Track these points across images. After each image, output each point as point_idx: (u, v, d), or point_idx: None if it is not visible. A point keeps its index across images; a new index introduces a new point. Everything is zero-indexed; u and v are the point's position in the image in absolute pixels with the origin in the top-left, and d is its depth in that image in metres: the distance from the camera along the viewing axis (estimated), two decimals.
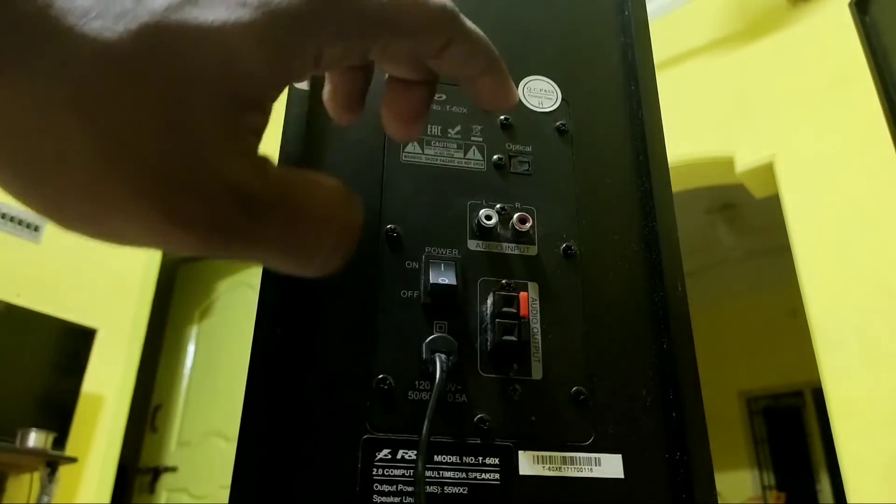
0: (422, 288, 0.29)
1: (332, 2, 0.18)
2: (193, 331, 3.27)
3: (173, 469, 3.08)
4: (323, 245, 0.19)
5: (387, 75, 0.24)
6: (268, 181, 0.18)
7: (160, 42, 0.16)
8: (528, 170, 0.33)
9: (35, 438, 2.10)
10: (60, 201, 0.16)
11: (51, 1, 0.15)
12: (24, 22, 0.15)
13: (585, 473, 0.27)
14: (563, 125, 0.35)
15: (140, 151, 0.15)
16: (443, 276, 0.29)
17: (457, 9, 0.22)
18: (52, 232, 2.46)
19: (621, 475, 0.27)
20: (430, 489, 0.26)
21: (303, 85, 0.32)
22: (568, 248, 0.31)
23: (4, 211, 2.37)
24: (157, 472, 3.11)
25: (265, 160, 0.18)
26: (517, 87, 0.35)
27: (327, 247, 0.19)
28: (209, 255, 0.17)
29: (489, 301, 0.29)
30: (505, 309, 0.28)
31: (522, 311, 0.28)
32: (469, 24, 0.22)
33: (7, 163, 0.16)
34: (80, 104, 0.15)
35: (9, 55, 0.15)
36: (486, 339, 0.29)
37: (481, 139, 0.33)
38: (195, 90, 0.16)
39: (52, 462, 2.18)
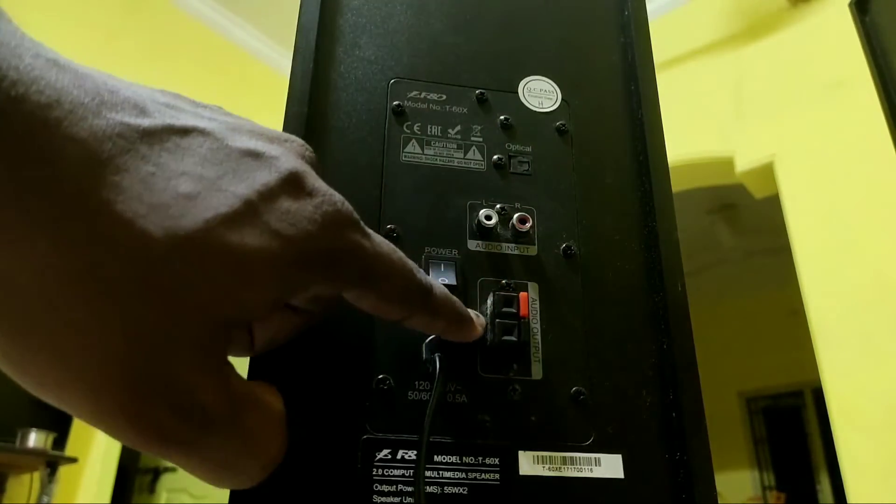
0: None
1: (343, 251, 0.20)
2: None
3: (173, 469, 3.08)
4: (252, 467, 0.20)
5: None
6: (229, 399, 0.18)
7: (193, 254, 0.16)
8: (528, 170, 0.33)
9: (35, 438, 2.10)
10: (27, 366, 0.16)
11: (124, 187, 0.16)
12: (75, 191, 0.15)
13: (585, 473, 0.27)
14: (563, 125, 0.35)
15: (133, 349, 0.16)
16: (443, 276, 0.29)
17: (431, 286, 0.24)
18: None
19: (621, 475, 0.27)
20: (430, 489, 0.26)
21: None
22: (568, 248, 0.31)
23: None
24: (157, 472, 3.12)
25: (229, 374, 0.19)
26: (518, 87, 0.35)
27: (255, 469, 0.20)
28: (145, 452, 0.17)
29: (489, 301, 0.29)
30: (505, 309, 0.28)
31: (522, 312, 0.28)
32: (435, 298, 0.24)
33: None
34: (110, 291, 0.15)
35: (46, 216, 0.15)
36: (486, 340, 0.29)
37: (481, 139, 0.33)
38: (199, 307, 0.17)
39: (52, 462, 2.18)
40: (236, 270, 0.17)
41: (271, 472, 0.21)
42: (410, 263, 0.23)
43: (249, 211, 0.18)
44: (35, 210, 0.15)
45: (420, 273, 0.23)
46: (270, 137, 0.20)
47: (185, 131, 0.18)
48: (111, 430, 0.17)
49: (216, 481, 0.19)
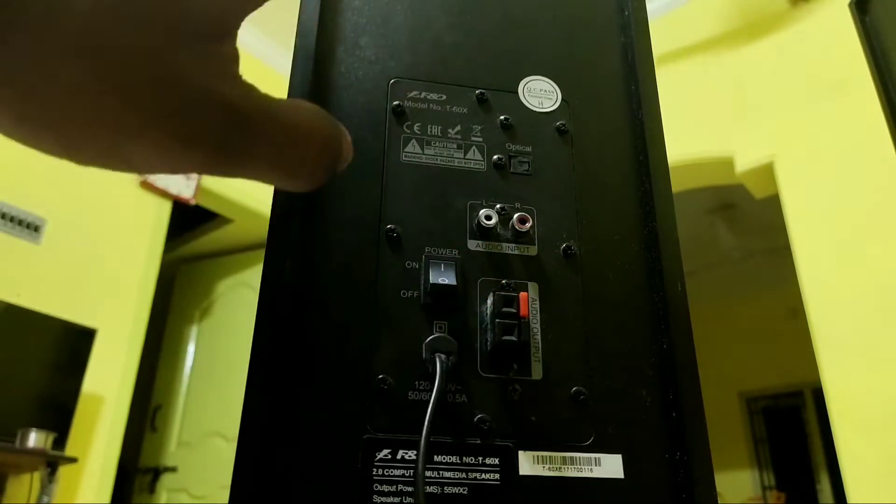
0: (422, 288, 0.29)
1: None
2: (193, 331, 3.27)
3: (173, 469, 3.08)
4: (308, 158, 0.21)
5: None
6: (255, 102, 0.19)
7: None
8: (528, 170, 0.33)
9: (35, 438, 2.10)
10: (75, 141, 0.17)
11: None
12: None
13: (585, 473, 0.27)
14: (563, 125, 0.35)
15: (143, 82, 0.17)
16: (443, 276, 0.29)
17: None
18: (52, 232, 2.46)
19: (621, 475, 0.27)
20: (430, 489, 0.26)
21: None
22: (568, 248, 0.31)
23: (4, 211, 2.37)
24: (157, 472, 3.12)
25: (250, 85, 0.20)
26: (518, 87, 0.35)
27: (312, 159, 0.21)
28: (211, 172, 0.19)
29: (489, 301, 0.29)
30: (505, 309, 0.28)
31: (522, 312, 0.28)
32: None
33: (13, 112, 0.16)
34: (86, 45, 0.16)
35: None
36: (486, 339, 0.29)
37: (481, 139, 0.33)
38: (186, 25, 0.18)
39: (52, 462, 2.18)
40: None
41: (332, 166, 0.22)
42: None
43: None
44: None
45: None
46: None
47: None
48: (171, 157, 0.18)
49: (283, 180, 0.21)
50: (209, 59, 0.18)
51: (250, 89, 0.20)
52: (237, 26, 0.20)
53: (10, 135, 0.17)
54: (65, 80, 0.16)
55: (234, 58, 0.20)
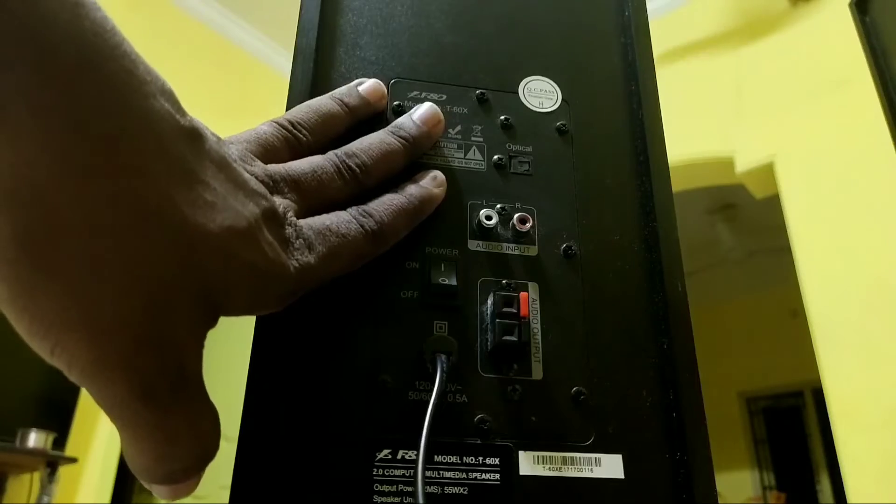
0: (422, 288, 0.29)
1: (309, 276, 0.25)
2: None
3: None
4: (191, 451, 0.21)
5: None
6: (198, 368, 0.20)
7: (221, 248, 0.20)
8: (528, 170, 0.33)
9: (35, 438, 2.10)
10: (39, 300, 0.17)
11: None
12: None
13: (585, 474, 0.27)
14: (563, 125, 0.35)
15: (151, 300, 0.18)
16: (443, 277, 0.29)
17: (378, 226, 0.27)
18: None
19: (621, 475, 0.27)
20: (430, 489, 0.26)
21: None
22: (568, 248, 0.31)
23: None
24: None
25: (202, 351, 0.20)
26: (518, 87, 0.35)
27: (192, 455, 0.21)
28: (110, 408, 0.18)
29: (489, 301, 0.29)
30: (505, 309, 0.28)
31: (522, 312, 0.28)
32: (386, 229, 0.28)
33: (14, 228, 0.16)
34: (148, 246, 0.17)
35: (118, 155, 0.17)
36: (487, 340, 0.29)
37: (481, 139, 0.33)
38: (211, 289, 0.20)
39: (52, 462, 2.18)
40: (240, 272, 0.21)
41: (202, 469, 0.22)
42: (350, 226, 0.26)
43: (251, 228, 0.21)
44: (108, 147, 0.16)
45: (362, 219, 0.27)
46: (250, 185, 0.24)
47: (203, 137, 0.21)
48: (98, 382, 0.17)
49: (152, 450, 0.20)
50: (199, 316, 0.19)
51: (201, 360, 0.20)
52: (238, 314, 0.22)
53: None
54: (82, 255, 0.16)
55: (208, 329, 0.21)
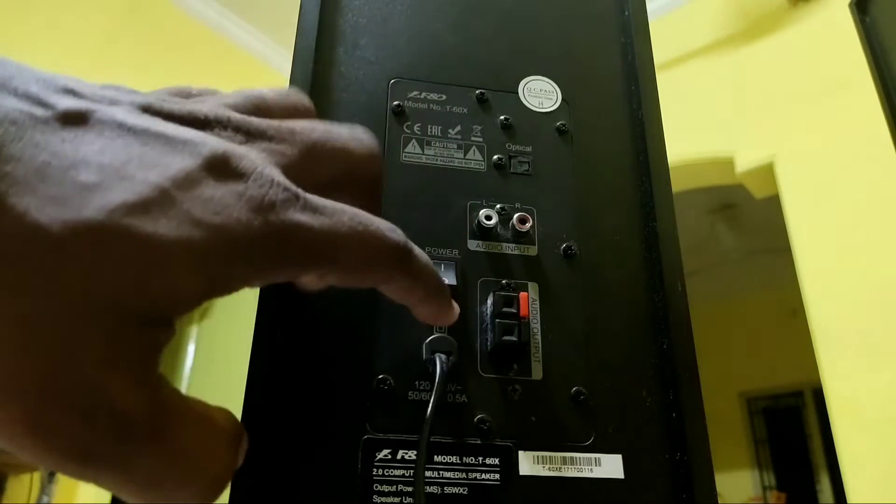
0: None
1: (279, 236, 0.18)
2: (193, 331, 3.27)
3: None
4: (189, 489, 0.17)
5: None
6: (153, 406, 0.16)
7: (96, 242, 0.15)
8: (528, 170, 0.33)
9: None
10: None
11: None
12: None
13: (585, 474, 0.27)
14: (563, 125, 0.35)
15: (34, 344, 0.14)
16: (443, 276, 0.29)
17: (409, 247, 0.22)
18: None
19: (621, 475, 0.27)
20: (430, 489, 0.26)
21: None
22: (568, 248, 0.31)
23: None
24: None
25: (159, 381, 0.17)
26: (518, 87, 0.35)
27: (193, 491, 0.17)
28: (63, 473, 0.15)
29: (489, 301, 0.29)
30: (505, 309, 0.28)
31: (522, 312, 0.28)
32: (416, 259, 0.22)
33: None
34: (5, 283, 0.14)
35: None
36: (486, 340, 0.29)
37: (481, 139, 0.33)
38: (105, 297, 0.15)
39: None
40: (147, 260, 0.15)
41: (220, 492, 0.19)
42: (380, 225, 0.21)
43: (162, 198, 0.16)
44: None
45: (396, 234, 0.21)
46: (194, 119, 0.19)
47: (82, 117, 0.17)
48: (17, 446, 0.15)
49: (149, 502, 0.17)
50: (125, 346, 0.15)
51: (155, 387, 0.16)
52: (184, 314, 0.17)
53: None
54: None
55: (161, 345, 0.17)
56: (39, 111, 0.16)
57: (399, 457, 0.26)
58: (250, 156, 0.19)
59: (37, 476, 2.20)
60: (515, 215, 0.31)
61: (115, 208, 0.15)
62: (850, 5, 1.00)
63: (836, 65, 2.00)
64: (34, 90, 0.16)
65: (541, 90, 0.35)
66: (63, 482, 2.26)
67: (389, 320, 0.29)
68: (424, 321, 0.26)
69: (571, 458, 0.27)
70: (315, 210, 0.19)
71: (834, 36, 2.01)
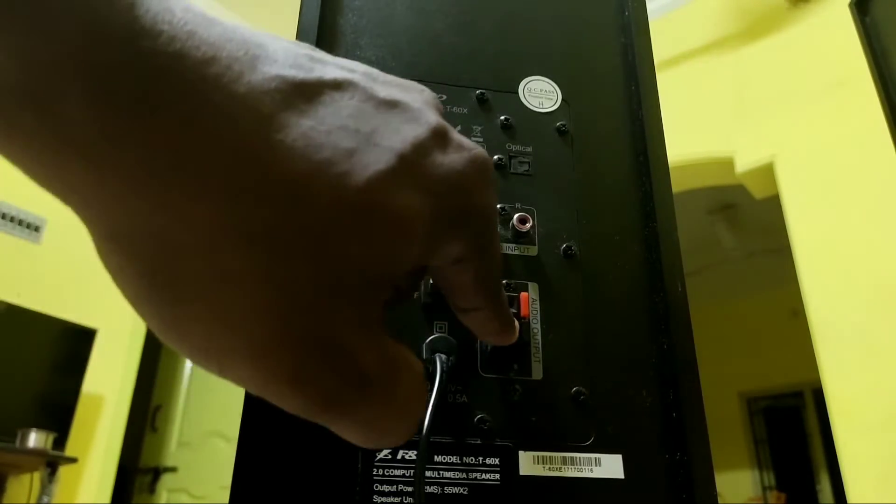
0: (422, 288, 0.29)
1: (482, 214, 0.20)
2: None
3: (173, 469, 3.08)
4: (399, 429, 0.19)
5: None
6: (384, 362, 0.18)
7: (358, 213, 0.16)
8: (528, 170, 0.33)
9: (35, 438, 2.10)
10: (187, 330, 0.16)
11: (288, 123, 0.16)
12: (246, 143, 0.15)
13: (585, 474, 0.27)
14: (563, 125, 0.35)
15: (297, 306, 0.16)
16: None
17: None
18: (52, 232, 2.46)
19: (621, 475, 0.27)
20: (430, 489, 0.26)
21: None
22: (568, 248, 0.31)
23: (4, 211, 2.37)
24: (157, 473, 3.12)
25: (386, 338, 0.18)
26: (518, 87, 0.35)
27: (401, 430, 0.19)
28: (300, 415, 0.17)
29: None
30: None
31: (523, 312, 0.28)
32: (504, 293, 0.24)
33: (141, 270, 0.15)
34: (275, 246, 0.15)
35: (215, 173, 0.15)
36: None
37: (481, 139, 0.33)
38: (357, 264, 0.17)
39: (52, 462, 2.18)
40: (396, 228, 0.17)
41: (414, 433, 0.20)
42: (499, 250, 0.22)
43: (405, 166, 0.17)
44: (201, 169, 0.15)
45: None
46: (405, 87, 0.20)
47: (336, 84, 0.18)
48: (275, 396, 0.16)
49: (363, 441, 0.19)
50: (368, 306, 0.17)
51: (382, 342, 0.18)
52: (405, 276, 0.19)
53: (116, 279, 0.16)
54: (221, 263, 0.15)
55: (387, 304, 0.19)
56: (300, 76, 0.17)
57: (399, 457, 0.26)
58: (451, 128, 0.20)
59: (37, 476, 2.20)
60: (515, 215, 0.31)
61: (373, 183, 0.16)
62: (850, 5, 1.00)
63: (836, 65, 2.01)
64: (289, 57, 0.17)
65: (541, 90, 0.35)
66: (63, 482, 2.26)
67: (389, 320, 0.28)
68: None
69: (571, 458, 0.27)
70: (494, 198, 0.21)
71: (834, 36, 2.01)
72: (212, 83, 0.15)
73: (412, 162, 0.18)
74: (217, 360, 0.16)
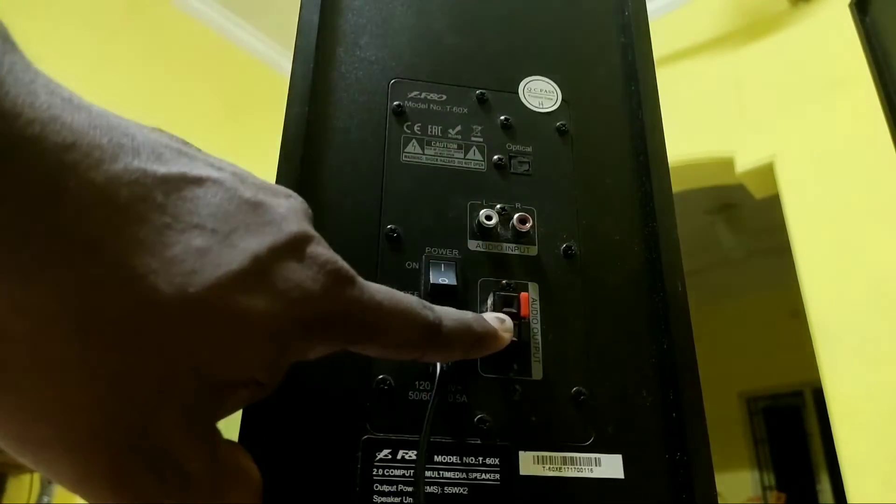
0: (422, 288, 0.29)
1: (343, 314, 0.20)
2: None
3: None
4: None
5: None
6: (213, 468, 0.17)
7: (200, 314, 0.16)
8: (528, 170, 0.33)
9: None
10: (7, 418, 0.15)
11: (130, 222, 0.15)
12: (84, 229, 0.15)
13: (585, 474, 0.27)
14: (563, 125, 0.35)
15: (123, 402, 0.15)
16: (443, 277, 0.29)
17: (437, 322, 0.23)
18: None
19: (621, 475, 0.27)
20: (430, 489, 0.26)
21: None
22: (568, 248, 0.31)
23: None
24: None
25: (219, 442, 0.18)
26: (518, 87, 0.35)
27: None
28: None
29: (489, 301, 0.29)
30: (505, 309, 0.28)
31: (523, 312, 0.28)
32: (445, 332, 0.23)
33: None
34: (108, 340, 0.15)
35: (55, 261, 0.14)
36: None
37: (481, 139, 0.33)
38: (195, 364, 0.16)
39: None
40: (240, 332, 0.17)
41: None
42: (412, 303, 0.22)
43: (258, 269, 0.17)
44: (41, 255, 0.14)
45: (425, 310, 0.22)
46: (274, 191, 0.20)
47: (199, 180, 0.18)
48: (90, 493, 0.16)
49: None
50: (190, 409, 0.16)
51: (217, 453, 0.18)
52: (257, 377, 0.18)
53: None
54: (42, 351, 0.15)
55: (229, 407, 0.18)
56: (163, 170, 0.17)
57: (399, 457, 0.26)
58: (319, 238, 0.20)
59: (37, 476, 2.20)
60: (515, 215, 0.31)
61: (220, 282, 0.16)
62: (850, 5, 1.00)
63: (836, 65, 2.00)
64: (155, 150, 0.17)
65: (541, 90, 0.35)
66: None
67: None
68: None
69: (571, 458, 0.27)
70: (365, 290, 0.21)
71: (834, 36, 2.01)
72: (69, 169, 0.15)
73: (265, 266, 0.18)
74: (33, 452, 0.16)
